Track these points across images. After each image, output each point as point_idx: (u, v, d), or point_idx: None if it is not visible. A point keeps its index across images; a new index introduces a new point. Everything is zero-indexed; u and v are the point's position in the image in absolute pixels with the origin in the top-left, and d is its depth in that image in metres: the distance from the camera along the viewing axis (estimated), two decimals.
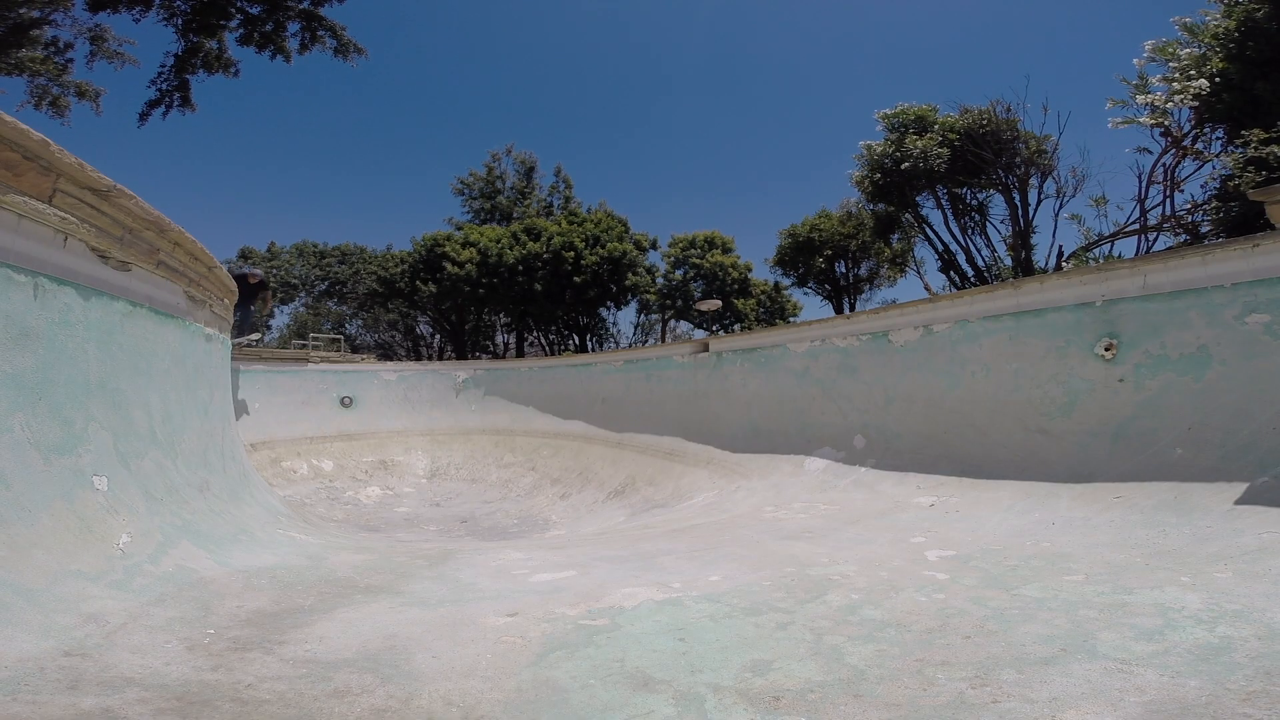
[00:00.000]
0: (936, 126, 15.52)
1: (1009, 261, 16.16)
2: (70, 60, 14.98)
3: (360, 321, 34.23)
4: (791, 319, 26.07)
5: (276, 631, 1.88)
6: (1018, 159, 15.03)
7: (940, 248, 17.46)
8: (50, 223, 2.19)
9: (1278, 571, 2.00)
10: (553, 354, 26.07)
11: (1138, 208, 13.12)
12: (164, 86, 14.74)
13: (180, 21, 14.17)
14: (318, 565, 2.79)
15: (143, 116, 14.87)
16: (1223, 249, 3.23)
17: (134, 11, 13.54)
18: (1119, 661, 1.52)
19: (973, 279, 16.56)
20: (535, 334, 27.50)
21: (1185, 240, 12.03)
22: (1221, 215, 10.67)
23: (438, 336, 31.43)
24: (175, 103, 14.98)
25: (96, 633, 1.69)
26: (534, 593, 2.36)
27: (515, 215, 28.06)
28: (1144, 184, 12.83)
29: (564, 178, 29.82)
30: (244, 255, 32.23)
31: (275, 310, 32.95)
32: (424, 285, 24.09)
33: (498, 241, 23.22)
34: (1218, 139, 11.75)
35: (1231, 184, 9.91)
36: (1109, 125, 12.42)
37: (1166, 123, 11.73)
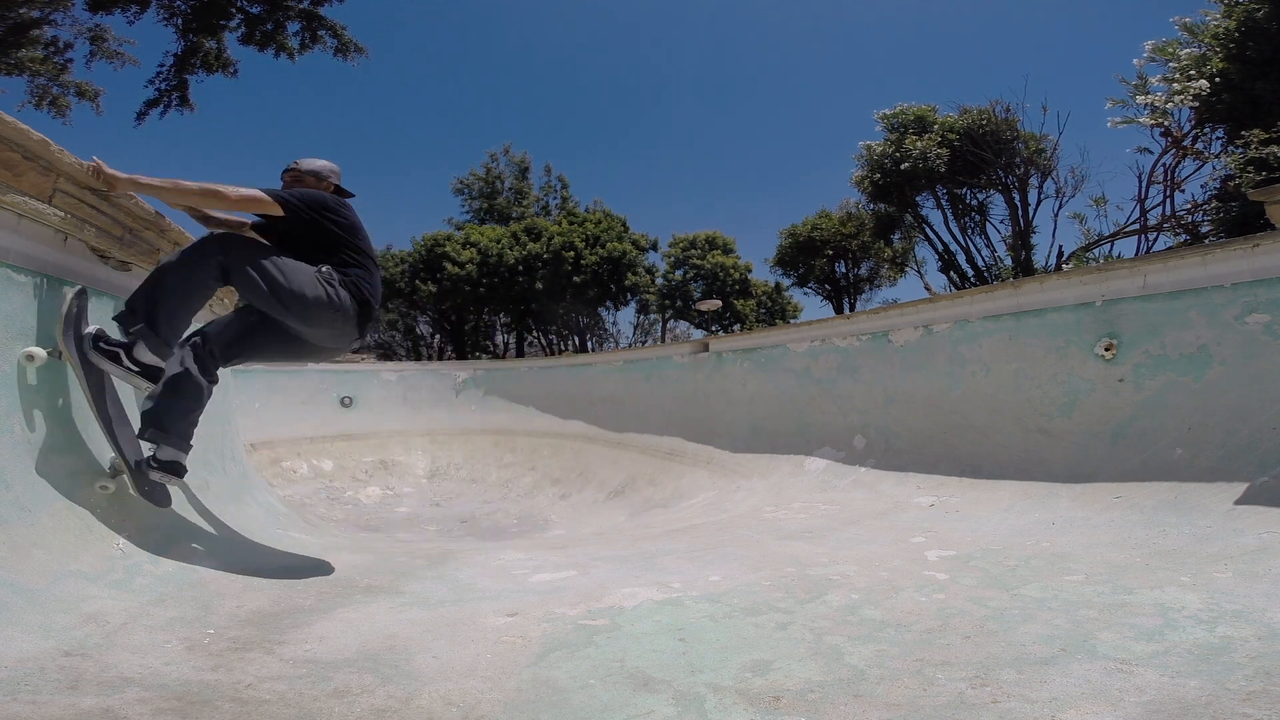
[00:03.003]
0: (936, 127, 15.52)
1: (1009, 261, 16.16)
2: (70, 60, 14.97)
3: None
4: (792, 319, 26.09)
5: (276, 631, 1.88)
6: (1017, 159, 15.04)
7: (940, 248, 17.47)
8: (50, 223, 2.18)
9: (1278, 571, 2.00)
10: (553, 354, 26.07)
11: (1138, 208, 13.12)
12: (162, 86, 14.73)
13: (180, 21, 14.17)
14: (318, 565, 2.79)
15: (140, 116, 14.86)
16: (1223, 249, 3.23)
17: (128, 13, 13.52)
18: (1119, 661, 1.52)
19: (973, 279, 16.56)
20: (535, 334, 27.50)
21: (1185, 240, 12.04)
22: (1221, 215, 10.67)
23: (438, 336, 31.41)
24: (173, 103, 14.96)
25: (96, 633, 1.69)
26: (534, 593, 2.36)
27: (514, 216, 28.05)
28: (1144, 184, 12.83)
29: (559, 176, 29.73)
30: None
31: None
32: (424, 285, 24.08)
33: (498, 241, 23.23)
34: (1218, 139, 11.75)
35: (1232, 184, 9.91)
36: (1108, 125, 12.43)
37: (1166, 123, 11.73)
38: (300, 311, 2.34)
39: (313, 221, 2.45)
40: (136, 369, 2.19)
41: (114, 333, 2.27)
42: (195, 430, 2.38)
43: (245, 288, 2.30)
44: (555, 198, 29.64)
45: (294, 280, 2.31)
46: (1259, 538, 2.31)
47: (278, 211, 2.37)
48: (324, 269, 2.42)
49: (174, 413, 2.26)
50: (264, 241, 2.50)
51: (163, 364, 2.25)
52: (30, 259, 2.16)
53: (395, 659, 1.70)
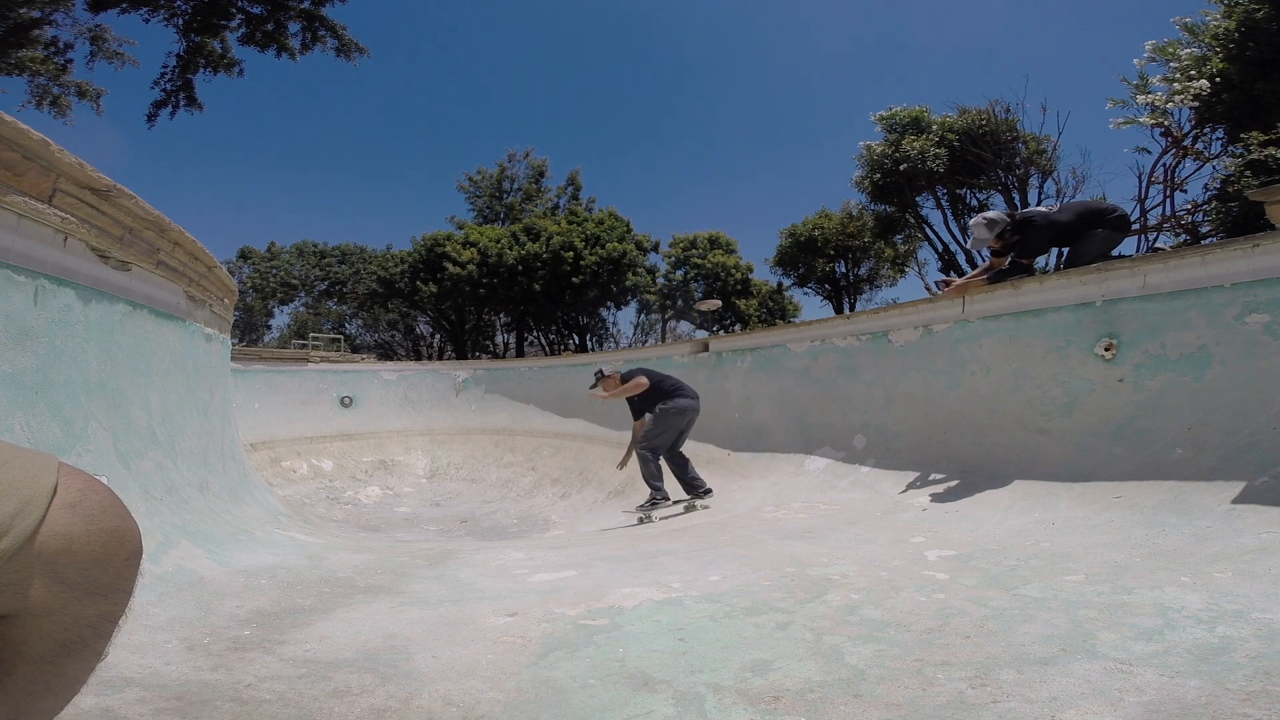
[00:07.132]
0: (935, 127, 15.53)
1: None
2: (70, 60, 14.99)
3: (360, 321, 34.24)
4: (792, 319, 26.08)
5: (276, 631, 1.88)
6: (1017, 159, 15.05)
7: (940, 248, 17.49)
8: (50, 223, 2.19)
9: (1277, 571, 2.00)
10: (553, 354, 26.06)
11: (1138, 208, 13.12)
12: (168, 87, 14.76)
13: (181, 21, 14.18)
14: (318, 565, 2.79)
15: (150, 117, 14.91)
16: (1222, 249, 3.23)
17: (132, 10, 13.54)
18: (1119, 661, 1.52)
19: None
20: (535, 334, 27.51)
21: (1185, 240, 12.03)
22: (1221, 216, 10.66)
23: (438, 336, 31.43)
24: (181, 103, 15.00)
25: None
26: (534, 592, 2.36)
27: (521, 216, 28.02)
28: (1144, 184, 12.85)
29: (576, 183, 29.60)
30: (243, 255, 32.23)
31: (275, 310, 32.95)
32: (424, 285, 24.10)
33: (498, 241, 23.25)
34: (1218, 139, 11.77)
35: (1231, 188, 9.91)
36: (1110, 125, 12.43)
37: (1167, 123, 11.73)
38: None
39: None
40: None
41: None
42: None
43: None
44: (565, 198, 29.63)
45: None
46: (1258, 538, 2.31)
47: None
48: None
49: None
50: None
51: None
52: (30, 259, 2.16)
53: (395, 659, 1.70)
